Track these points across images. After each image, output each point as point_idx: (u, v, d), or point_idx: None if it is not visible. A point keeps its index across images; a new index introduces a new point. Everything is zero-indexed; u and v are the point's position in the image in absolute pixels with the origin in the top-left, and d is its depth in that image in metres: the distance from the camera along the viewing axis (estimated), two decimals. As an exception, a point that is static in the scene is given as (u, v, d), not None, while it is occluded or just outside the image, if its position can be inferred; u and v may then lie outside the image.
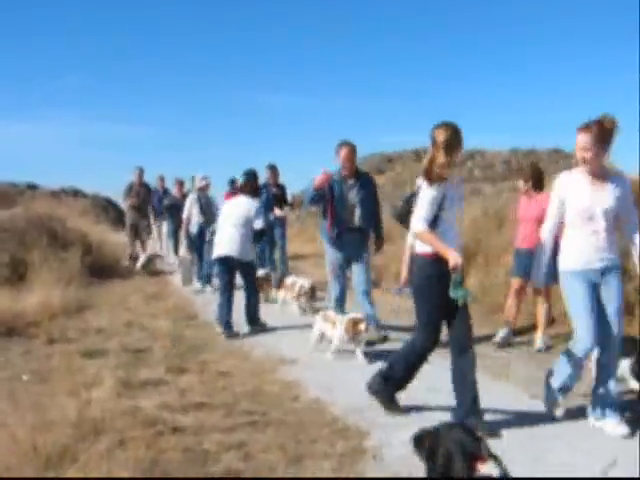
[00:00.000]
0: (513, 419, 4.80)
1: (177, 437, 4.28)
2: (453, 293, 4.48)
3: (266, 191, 11.34)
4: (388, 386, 4.96)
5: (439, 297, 4.56)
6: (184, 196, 12.73)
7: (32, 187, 30.94)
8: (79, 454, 3.89)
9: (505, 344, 7.12)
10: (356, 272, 7.33)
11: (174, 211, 13.20)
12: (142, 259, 13.72)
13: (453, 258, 4.41)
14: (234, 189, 12.19)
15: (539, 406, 4.97)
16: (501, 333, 7.23)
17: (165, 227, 14.94)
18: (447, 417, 4.81)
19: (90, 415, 4.45)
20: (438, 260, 4.49)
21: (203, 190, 11.55)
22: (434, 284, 4.57)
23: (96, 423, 4.33)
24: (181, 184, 13.70)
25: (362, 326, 6.51)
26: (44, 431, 4.09)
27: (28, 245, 10.91)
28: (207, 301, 9.74)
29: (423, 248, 4.62)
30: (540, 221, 5.61)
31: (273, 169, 11.84)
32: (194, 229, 11.42)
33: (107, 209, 31.17)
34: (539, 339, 6.97)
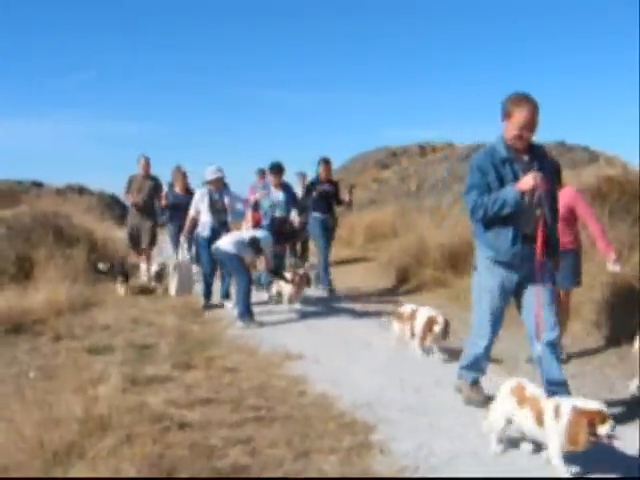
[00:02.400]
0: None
1: (184, 433, 4.28)
2: None
3: (315, 188, 10.28)
4: None
5: None
6: (188, 192, 11.35)
7: (37, 185, 31.01)
8: (86, 450, 3.90)
9: None
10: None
11: (177, 212, 11.22)
12: (152, 269, 11.06)
13: None
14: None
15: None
16: None
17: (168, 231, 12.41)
18: (453, 409, 4.81)
19: (97, 411, 4.44)
20: None
21: (214, 185, 9.28)
22: None
23: (103, 419, 4.32)
24: (184, 177, 11.95)
25: (437, 327, 6.29)
26: (51, 427, 4.09)
27: (34, 243, 10.93)
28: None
29: None
30: (563, 219, 5.55)
31: (327, 163, 10.47)
32: (205, 232, 9.12)
33: (112, 206, 31.17)
34: None
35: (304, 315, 8.56)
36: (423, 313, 6.50)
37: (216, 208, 9.21)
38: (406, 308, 6.81)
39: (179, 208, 10.97)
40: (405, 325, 6.66)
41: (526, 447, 4.04)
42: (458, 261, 9.57)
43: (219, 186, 9.36)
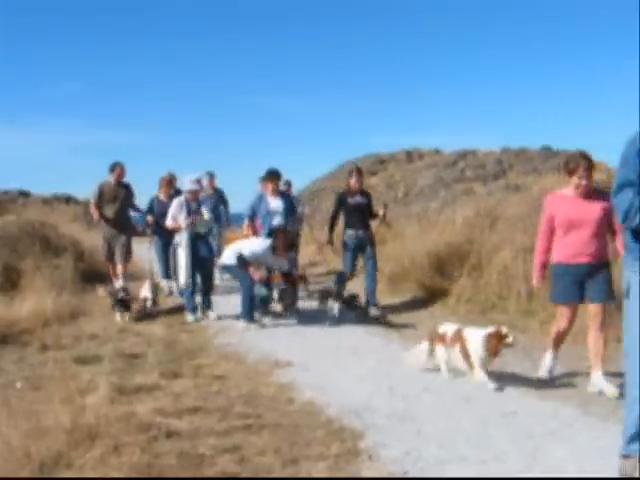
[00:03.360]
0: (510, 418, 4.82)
1: (172, 442, 4.27)
2: None
3: (347, 201, 9.15)
4: None
5: None
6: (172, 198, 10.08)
7: (24, 194, 30.82)
8: (74, 460, 3.88)
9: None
10: None
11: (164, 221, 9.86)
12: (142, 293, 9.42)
13: None
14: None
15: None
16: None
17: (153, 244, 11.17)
18: (441, 416, 4.83)
19: (84, 421, 4.42)
20: None
21: (192, 196, 9.06)
22: None
23: (90, 429, 4.30)
24: (169, 183, 10.90)
25: (510, 339, 5.57)
26: (38, 438, 4.07)
27: (21, 252, 10.88)
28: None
29: None
30: (600, 226, 5.47)
31: (359, 172, 9.38)
32: (186, 235, 8.77)
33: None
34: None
35: (293, 323, 8.56)
36: (474, 332, 5.72)
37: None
38: (447, 327, 5.98)
39: (162, 217, 9.88)
40: (452, 348, 5.78)
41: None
42: (445, 267, 9.60)
43: (196, 197, 9.20)
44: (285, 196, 9.46)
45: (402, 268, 10.42)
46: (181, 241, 8.83)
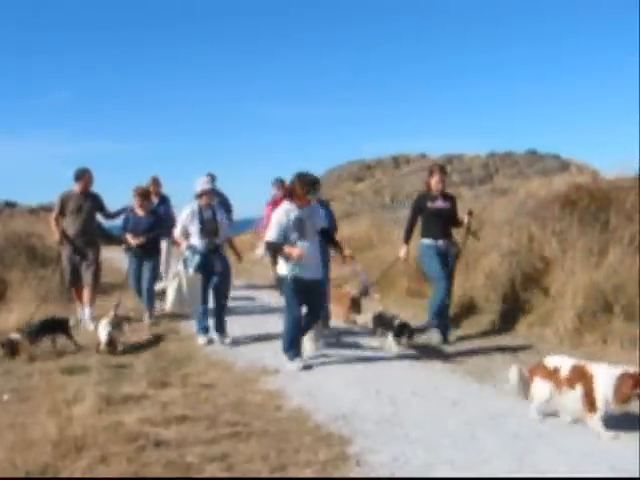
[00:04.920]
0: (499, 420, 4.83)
1: (159, 451, 4.26)
2: None
3: (426, 205, 7.69)
4: None
5: None
6: (151, 212, 9.29)
7: (10, 205, 30.72)
8: (60, 471, 3.88)
9: None
10: None
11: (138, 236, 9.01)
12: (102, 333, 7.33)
13: None
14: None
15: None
16: None
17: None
18: (429, 420, 4.84)
19: (71, 432, 4.41)
20: None
21: (206, 199, 7.68)
22: None
23: (77, 440, 4.29)
24: (143, 195, 9.25)
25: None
26: (24, 450, 4.06)
27: (7, 263, 10.84)
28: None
29: None
30: None
31: (442, 171, 7.84)
32: (197, 257, 7.56)
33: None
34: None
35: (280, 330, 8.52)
36: (604, 369, 4.55)
37: (208, 229, 7.61)
38: (560, 361, 4.80)
39: (138, 233, 9.03)
40: (564, 389, 4.64)
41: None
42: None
43: (210, 201, 7.74)
44: (323, 205, 7.74)
45: (390, 272, 10.42)
46: (190, 261, 7.58)
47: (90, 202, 8.95)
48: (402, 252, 7.67)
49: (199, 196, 7.67)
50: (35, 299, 9.19)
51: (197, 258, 7.55)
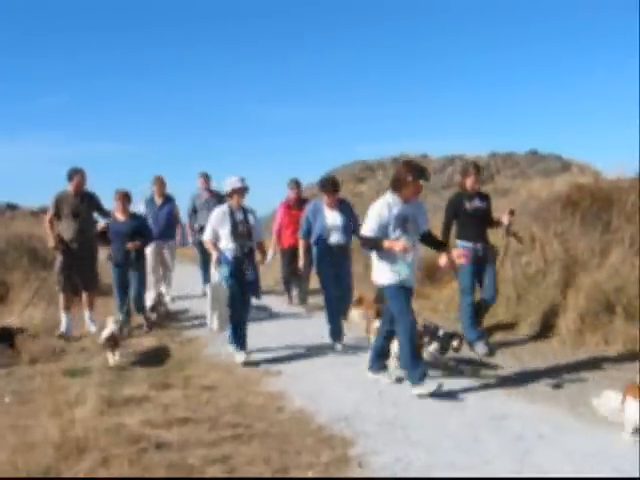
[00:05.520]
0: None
1: (161, 453, 4.26)
2: None
3: (463, 204, 7.16)
4: None
5: None
6: (133, 216, 8.63)
7: (12, 207, 30.67)
8: (62, 474, 3.88)
9: None
10: None
11: (118, 244, 8.43)
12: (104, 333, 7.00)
13: None
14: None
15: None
16: None
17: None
18: (431, 422, 4.83)
19: (73, 434, 4.41)
20: None
21: (237, 198, 6.99)
22: None
23: (79, 442, 4.30)
24: (124, 198, 8.52)
25: None
26: (26, 452, 4.06)
27: (8, 265, 10.84)
28: (192, 316, 9.69)
29: None
30: None
31: (477, 169, 7.36)
32: (225, 268, 6.89)
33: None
34: None
35: (282, 331, 8.52)
36: None
37: (240, 232, 6.95)
38: None
39: (119, 239, 8.43)
40: None
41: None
42: (435, 272, 9.61)
43: (241, 200, 7.06)
44: (346, 206, 7.53)
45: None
46: (223, 270, 6.90)
47: (86, 203, 8.54)
48: (443, 260, 6.42)
49: (230, 195, 7.04)
50: (37, 301, 9.21)
51: (227, 267, 6.88)
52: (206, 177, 10.89)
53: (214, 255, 6.94)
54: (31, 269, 10.95)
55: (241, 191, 6.98)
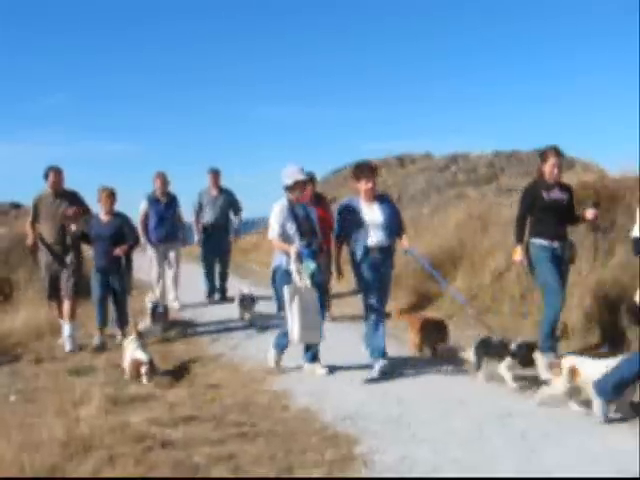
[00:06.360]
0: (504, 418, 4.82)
1: (166, 452, 4.26)
2: None
3: (541, 196, 6.24)
4: None
5: None
6: (116, 215, 7.89)
7: (16, 206, 30.73)
8: (68, 473, 3.89)
9: None
10: None
11: (100, 247, 7.80)
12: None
13: None
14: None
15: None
16: None
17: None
18: (437, 419, 4.83)
19: (79, 433, 4.43)
20: None
21: (298, 191, 6.25)
22: None
23: (85, 441, 4.32)
24: (110, 197, 7.89)
25: None
26: (32, 451, 4.07)
27: (13, 264, 10.85)
28: (198, 314, 9.68)
29: None
30: None
31: (557, 153, 6.31)
32: (311, 263, 6.03)
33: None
34: None
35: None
36: None
37: (304, 229, 6.20)
38: None
39: (102, 241, 7.77)
40: None
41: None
42: (438, 271, 9.59)
43: (303, 195, 6.36)
44: (386, 201, 6.53)
45: (395, 271, 10.37)
46: (306, 269, 6.01)
47: (66, 203, 7.78)
48: (518, 255, 6.13)
49: (291, 189, 6.20)
50: (42, 300, 9.21)
51: (312, 264, 6.01)
52: (216, 173, 10.37)
53: (292, 251, 5.98)
54: (35, 268, 10.95)
55: (304, 184, 6.31)
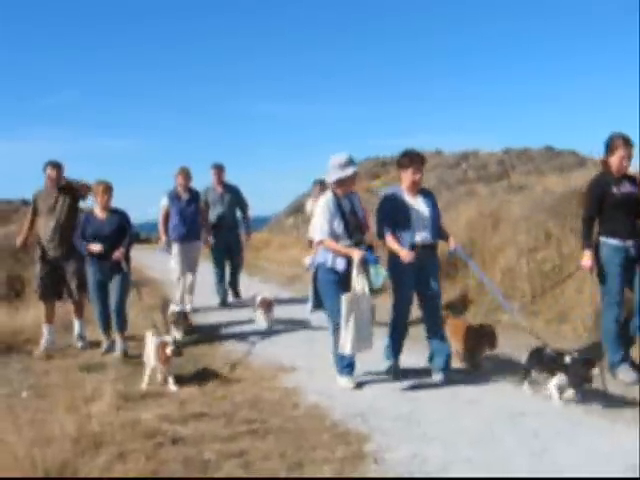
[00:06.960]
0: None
1: (177, 448, 4.27)
2: None
3: (611, 191, 5.64)
4: None
5: None
6: (113, 212, 7.27)
7: (27, 203, 30.89)
8: (79, 468, 3.90)
9: None
10: None
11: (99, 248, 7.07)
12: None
13: None
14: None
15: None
16: None
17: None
18: (448, 418, 4.82)
19: (90, 429, 4.44)
20: None
21: (345, 187, 5.66)
22: None
23: (96, 437, 4.33)
24: (107, 191, 7.26)
25: None
26: (43, 447, 4.08)
27: (24, 262, 10.90)
28: (208, 310, 9.70)
29: None
30: None
31: (627, 142, 5.64)
32: (339, 263, 5.56)
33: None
34: None
35: (297, 328, 8.51)
36: None
37: (352, 226, 5.67)
38: None
39: (99, 241, 7.10)
40: None
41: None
42: (449, 268, 9.57)
43: (349, 189, 5.73)
44: (429, 195, 5.94)
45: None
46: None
47: (68, 197, 7.56)
48: (587, 259, 5.63)
49: (341, 182, 5.63)
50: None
51: (342, 263, 5.56)
52: (219, 169, 9.93)
53: (355, 257, 5.45)
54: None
55: (350, 180, 5.65)
